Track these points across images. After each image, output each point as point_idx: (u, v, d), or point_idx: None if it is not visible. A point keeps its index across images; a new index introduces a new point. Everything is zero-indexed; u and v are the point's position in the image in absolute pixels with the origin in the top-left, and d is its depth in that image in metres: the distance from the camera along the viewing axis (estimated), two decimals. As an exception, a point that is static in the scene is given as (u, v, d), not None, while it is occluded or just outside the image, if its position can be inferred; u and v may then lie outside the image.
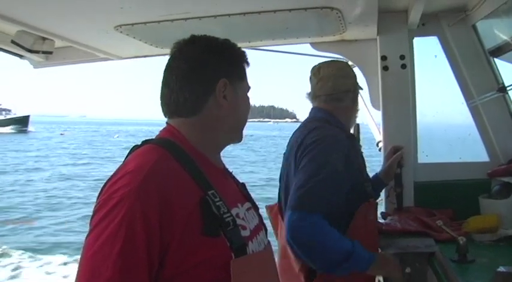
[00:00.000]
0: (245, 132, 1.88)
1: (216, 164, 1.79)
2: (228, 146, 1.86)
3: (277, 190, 3.03)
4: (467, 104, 3.80)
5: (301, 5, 3.00)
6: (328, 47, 4.09)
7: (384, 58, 3.69)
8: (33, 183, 26.94)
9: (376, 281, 3.10)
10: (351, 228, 2.61)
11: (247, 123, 1.89)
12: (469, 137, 3.92)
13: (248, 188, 1.99)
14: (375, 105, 3.99)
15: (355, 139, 3.01)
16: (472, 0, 3.46)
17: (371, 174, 3.39)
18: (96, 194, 1.56)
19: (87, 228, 1.46)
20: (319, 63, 2.98)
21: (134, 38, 3.51)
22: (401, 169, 3.48)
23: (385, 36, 3.73)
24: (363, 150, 4.95)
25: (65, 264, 12.06)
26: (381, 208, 3.65)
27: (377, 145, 4.22)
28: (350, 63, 4.16)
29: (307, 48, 4.19)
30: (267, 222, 2.33)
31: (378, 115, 4.01)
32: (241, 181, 1.98)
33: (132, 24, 3.21)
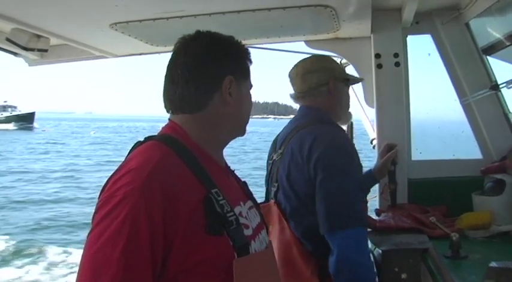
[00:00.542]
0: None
1: (218, 161, 1.78)
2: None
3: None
4: (460, 102, 3.82)
5: (295, 3, 3.00)
6: (322, 45, 4.10)
7: (377, 56, 3.70)
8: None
9: None
10: None
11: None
12: (462, 134, 3.95)
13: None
14: (368, 102, 4.00)
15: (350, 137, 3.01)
16: (465, -2, 3.48)
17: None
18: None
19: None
20: (299, 61, 2.92)
21: (129, 35, 3.52)
22: (395, 166, 3.49)
23: (379, 34, 3.74)
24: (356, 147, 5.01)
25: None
26: (375, 205, 3.67)
27: (371, 142, 4.23)
28: (344, 61, 4.19)
29: (302, 46, 4.21)
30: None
31: (372, 112, 4.03)
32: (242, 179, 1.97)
33: (127, 22, 3.21)
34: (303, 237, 2.57)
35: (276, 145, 2.90)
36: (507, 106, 3.74)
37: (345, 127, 4.72)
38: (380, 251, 2.82)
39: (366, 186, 3.10)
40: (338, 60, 4.15)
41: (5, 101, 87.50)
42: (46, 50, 3.80)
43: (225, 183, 1.68)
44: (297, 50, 4.32)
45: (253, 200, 1.91)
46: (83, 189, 24.79)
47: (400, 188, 3.58)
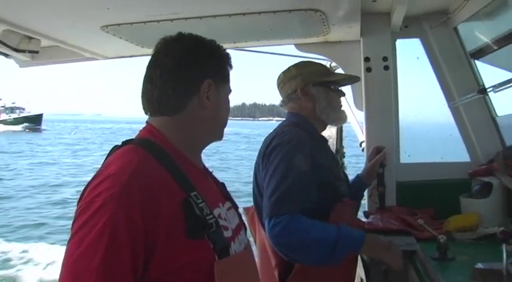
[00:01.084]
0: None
1: (196, 164, 1.77)
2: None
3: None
4: (448, 105, 3.86)
5: (285, 7, 3.03)
6: (312, 48, 4.12)
7: (367, 59, 3.73)
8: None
9: (358, 278, 3.13)
10: None
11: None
12: (450, 137, 3.98)
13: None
14: (358, 105, 4.02)
15: (324, 140, 3.03)
16: (454, 3, 3.51)
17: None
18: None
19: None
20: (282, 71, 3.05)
21: (120, 38, 3.53)
22: (384, 169, 3.51)
23: (368, 38, 3.76)
24: (345, 150, 5.04)
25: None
26: (364, 207, 3.69)
27: (360, 145, 4.25)
28: (333, 64, 4.22)
29: (293, 49, 4.23)
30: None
31: (361, 116, 4.05)
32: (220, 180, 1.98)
33: (119, 25, 3.22)
34: None
35: None
36: (494, 110, 3.77)
37: (334, 130, 4.75)
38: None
39: (354, 188, 3.12)
40: (327, 63, 4.17)
41: (13, 103, 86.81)
42: (37, 52, 3.78)
43: (204, 186, 1.68)
44: (288, 53, 4.35)
45: (232, 201, 1.91)
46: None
47: (388, 191, 3.60)
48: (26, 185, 24.85)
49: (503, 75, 3.55)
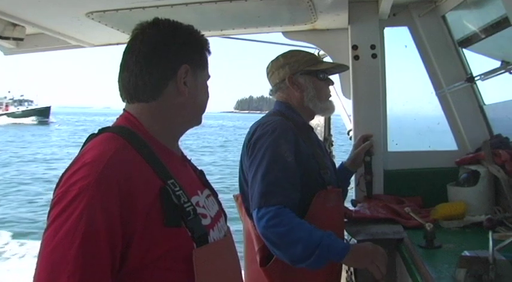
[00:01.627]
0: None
1: (174, 151, 1.76)
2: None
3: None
4: (436, 94, 3.86)
5: (272, -6, 3.01)
6: (299, 36, 4.10)
7: (354, 47, 3.71)
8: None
9: (344, 272, 3.14)
10: (308, 216, 2.60)
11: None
12: (438, 126, 3.99)
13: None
14: (345, 94, 4.01)
15: (309, 128, 3.02)
16: (442, -9, 3.50)
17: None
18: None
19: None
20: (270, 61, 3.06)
21: (106, 25, 3.49)
22: (371, 157, 3.52)
23: (356, 25, 3.74)
24: (334, 139, 5.03)
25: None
26: (351, 196, 3.70)
27: (348, 134, 4.25)
28: (321, 52, 4.20)
29: (280, 37, 4.20)
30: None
31: (349, 104, 4.05)
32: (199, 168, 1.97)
33: (104, 11, 3.18)
34: None
35: None
36: (482, 98, 3.78)
37: (322, 119, 4.74)
38: (356, 241, 2.85)
39: (340, 176, 3.11)
40: (315, 51, 4.16)
41: (21, 95, 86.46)
42: (22, 39, 3.76)
43: (182, 173, 1.68)
44: (276, 41, 4.32)
45: (211, 188, 1.91)
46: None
47: (376, 179, 3.62)
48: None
49: (491, 63, 3.55)
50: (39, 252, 1.38)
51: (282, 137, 2.65)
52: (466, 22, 3.68)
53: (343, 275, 3.16)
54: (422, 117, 4.23)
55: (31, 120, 77.83)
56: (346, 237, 2.95)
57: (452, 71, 3.77)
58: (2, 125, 70.47)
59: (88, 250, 1.34)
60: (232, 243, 1.83)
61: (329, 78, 3.02)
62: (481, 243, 2.15)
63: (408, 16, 3.82)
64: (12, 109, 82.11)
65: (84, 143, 1.62)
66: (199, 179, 1.88)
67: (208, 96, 1.84)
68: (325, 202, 2.70)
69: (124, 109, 1.73)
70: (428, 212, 3.20)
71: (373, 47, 3.69)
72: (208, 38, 1.84)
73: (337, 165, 3.30)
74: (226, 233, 1.80)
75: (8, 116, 79.01)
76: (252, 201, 2.57)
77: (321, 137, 4.55)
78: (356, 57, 3.70)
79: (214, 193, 1.90)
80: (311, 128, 3.05)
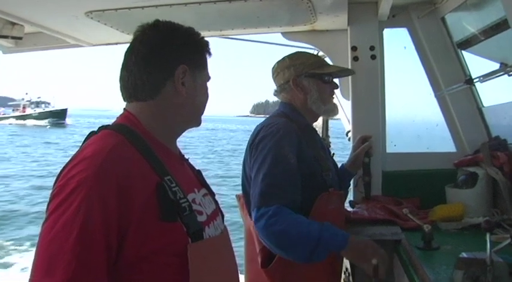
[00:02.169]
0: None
1: (172, 149, 1.80)
2: None
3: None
4: (435, 95, 3.86)
5: (272, -6, 3.01)
6: (299, 37, 4.11)
7: (354, 48, 3.71)
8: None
9: (343, 267, 3.13)
10: (310, 218, 2.59)
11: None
12: (436, 127, 3.99)
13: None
14: (344, 95, 4.01)
15: (313, 131, 3.02)
16: (441, -7, 3.50)
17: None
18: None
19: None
20: (277, 61, 3.06)
21: (105, 24, 3.49)
22: (370, 158, 3.51)
23: (355, 27, 3.74)
24: (331, 140, 5.03)
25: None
26: (350, 197, 3.69)
27: (346, 135, 4.25)
28: (321, 53, 4.20)
29: (280, 37, 4.20)
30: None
31: (347, 105, 4.04)
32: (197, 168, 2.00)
33: (103, 11, 3.19)
34: None
35: None
36: (481, 100, 3.78)
37: (320, 120, 4.75)
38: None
39: (339, 178, 3.11)
40: (314, 52, 4.15)
41: (38, 97, 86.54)
42: (20, 38, 3.76)
43: (179, 171, 1.72)
44: (275, 42, 4.33)
45: (208, 188, 1.94)
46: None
47: (374, 180, 3.61)
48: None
49: (490, 65, 3.55)
50: (38, 243, 1.41)
51: (285, 139, 2.66)
52: (465, 24, 3.68)
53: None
54: (420, 118, 4.23)
55: (47, 122, 77.67)
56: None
57: (451, 73, 3.77)
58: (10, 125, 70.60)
59: (84, 241, 1.37)
60: (229, 241, 1.86)
61: (334, 82, 3.04)
62: (479, 245, 2.14)
63: (407, 17, 3.83)
64: (29, 111, 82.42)
65: (85, 140, 1.66)
66: (197, 178, 1.91)
67: (207, 97, 1.87)
68: (327, 204, 2.71)
69: (124, 108, 1.77)
70: (427, 214, 3.20)
71: (372, 48, 3.69)
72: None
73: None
74: (223, 231, 1.83)
75: (24, 118, 79.47)
76: (252, 201, 2.58)
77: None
78: (355, 58, 3.70)
79: (211, 192, 1.94)
80: (315, 130, 3.07)
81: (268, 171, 2.55)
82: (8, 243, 13.19)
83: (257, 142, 2.70)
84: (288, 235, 2.43)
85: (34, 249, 1.41)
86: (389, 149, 3.91)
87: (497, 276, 1.96)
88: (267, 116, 3.06)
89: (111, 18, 3.34)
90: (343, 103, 4.39)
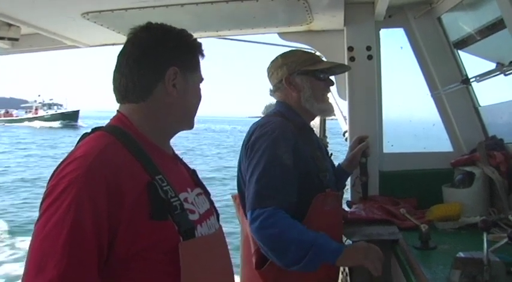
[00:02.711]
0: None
1: (165, 150, 1.81)
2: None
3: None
4: (431, 95, 3.87)
5: (268, -5, 3.01)
6: (295, 37, 4.11)
7: (350, 49, 3.71)
8: None
9: (341, 268, 3.13)
10: (306, 218, 2.59)
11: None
12: (433, 127, 3.99)
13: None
14: (341, 95, 4.01)
15: (310, 130, 3.01)
16: (438, -7, 3.51)
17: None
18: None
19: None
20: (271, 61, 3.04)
21: (102, 25, 3.49)
22: (367, 159, 3.51)
23: (352, 27, 3.74)
24: (329, 140, 5.03)
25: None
26: (347, 197, 3.70)
27: (343, 135, 4.25)
28: (317, 53, 4.19)
29: (276, 38, 4.21)
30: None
31: (344, 105, 4.04)
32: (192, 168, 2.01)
33: (100, 12, 3.18)
34: None
35: None
36: (477, 100, 3.79)
37: (317, 120, 4.74)
38: (351, 242, 2.84)
39: (336, 178, 3.10)
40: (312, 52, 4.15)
41: (50, 99, 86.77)
42: (17, 39, 3.75)
43: (172, 171, 1.73)
44: (271, 42, 4.32)
45: (203, 187, 1.95)
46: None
47: (371, 180, 3.62)
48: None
49: (486, 65, 3.55)
50: (30, 243, 1.43)
51: (281, 139, 2.64)
52: (461, 24, 3.68)
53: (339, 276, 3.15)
54: (417, 118, 4.23)
55: (59, 123, 77.78)
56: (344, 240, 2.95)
57: (448, 73, 3.78)
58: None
59: (75, 239, 1.39)
60: (223, 240, 1.88)
61: (329, 79, 2.99)
62: (476, 245, 2.14)
63: (404, 17, 3.83)
64: (41, 113, 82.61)
65: (78, 141, 1.68)
66: (192, 178, 1.93)
67: (200, 99, 1.88)
68: (324, 205, 2.68)
69: (117, 110, 1.78)
70: (424, 213, 3.20)
71: (368, 48, 3.69)
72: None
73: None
74: (216, 230, 1.83)
75: (37, 120, 79.61)
76: (247, 202, 2.56)
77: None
78: (352, 59, 3.70)
79: (206, 192, 1.95)
80: (312, 130, 3.05)
81: (263, 172, 2.54)
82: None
83: (252, 142, 2.68)
84: (281, 238, 2.43)
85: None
86: (386, 149, 3.91)
87: (494, 276, 1.97)
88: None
89: (107, 19, 3.34)
90: (340, 103, 4.39)
